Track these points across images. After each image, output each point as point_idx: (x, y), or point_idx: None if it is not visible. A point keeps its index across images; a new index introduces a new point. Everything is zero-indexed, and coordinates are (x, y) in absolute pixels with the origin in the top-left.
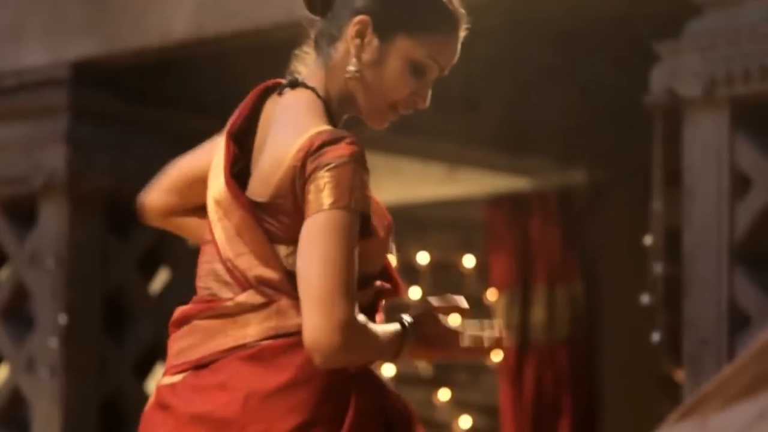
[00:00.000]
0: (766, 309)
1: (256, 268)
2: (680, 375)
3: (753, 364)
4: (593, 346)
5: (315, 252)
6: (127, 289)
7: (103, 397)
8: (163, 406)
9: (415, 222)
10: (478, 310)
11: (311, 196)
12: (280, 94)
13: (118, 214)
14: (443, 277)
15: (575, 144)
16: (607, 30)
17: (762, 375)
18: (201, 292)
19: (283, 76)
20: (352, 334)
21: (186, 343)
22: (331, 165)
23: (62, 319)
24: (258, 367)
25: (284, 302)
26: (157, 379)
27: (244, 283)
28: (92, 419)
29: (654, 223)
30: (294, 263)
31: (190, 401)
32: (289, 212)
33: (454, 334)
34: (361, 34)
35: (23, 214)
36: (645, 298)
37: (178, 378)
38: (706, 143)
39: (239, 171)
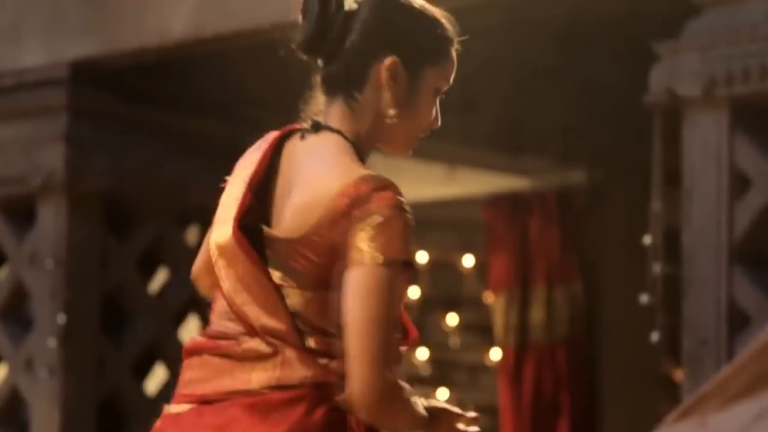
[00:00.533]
0: (766, 309)
1: (262, 318)
2: (680, 375)
3: (752, 364)
4: (592, 346)
5: (367, 308)
6: (125, 289)
7: (101, 397)
8: None
9: (414, 222)
10: (478, 309)
11: (362, 245)
12: (302, 137)
13: (116, 214)
14: (442, 277)
15: (575, 144)
16: (606, 30)
17: (761, 375)
18: (215, 327)
19: (282, 76)
20: (395, 395)
21: (195, 374)
22: (382, 217)
23: (61, 319)
24: (256, 417)
25: (290, 354)
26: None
27: (251, 330)
28: (91, 419)
29: (653, 223)
30: (304, 305)
31: None
32: (322, 252)
33: None
34: (394, 76)
35: (22, 214)
36: (644, 298)
37: (184, 408)
38: (706, 143)
39: (251, 221)
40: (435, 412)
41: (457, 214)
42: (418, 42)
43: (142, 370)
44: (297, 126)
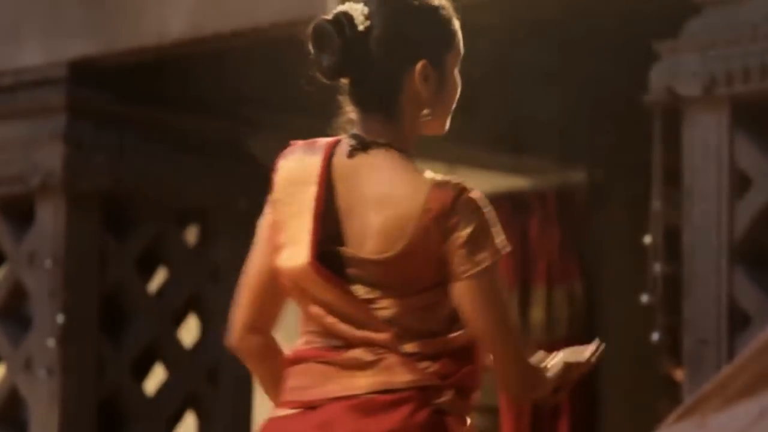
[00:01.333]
0: (766, 308)
1: (357, 332)
2: (680, 375)
3: (753, 364)
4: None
5: (490, 312)
6: (125, 289)
7: (101, 397)
8: None
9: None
10: None
11: (464, 256)
12: (350, 156)
13: (115, 213)
14: None
15: (575, 144)
16: (606, 29)
17: (762, 375)
18: (309, 337)
19: (281, 76)
20: (539, 377)
21: (300, 382)
22: (471, 225)
23: (60, 319)
24: (360, 417)
25: (392, 359)
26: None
27: (351, 342)
28: (90, 419)
29: (653, 222)
30: (400, 313)
31: None
32: (418, 264)
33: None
34: (426, 78)
35: (21, 214)
36: (645, 298)
37: (288, 413)
38: (706, 142)
39: (321, 245)
40: (561, 372)
41: None
42: (434, 37)
43: (142, 370)
44: (338, 138)
